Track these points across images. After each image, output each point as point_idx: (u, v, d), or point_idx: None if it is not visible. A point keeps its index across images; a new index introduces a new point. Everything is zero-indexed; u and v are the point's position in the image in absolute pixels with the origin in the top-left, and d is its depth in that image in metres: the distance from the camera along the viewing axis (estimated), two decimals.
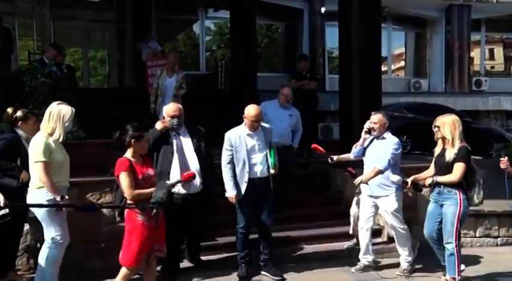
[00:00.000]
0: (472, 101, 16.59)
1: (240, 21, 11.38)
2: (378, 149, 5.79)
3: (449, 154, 5.22)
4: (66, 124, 4.78)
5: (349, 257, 6.31)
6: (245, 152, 5.58)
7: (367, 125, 5.92)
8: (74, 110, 4.85)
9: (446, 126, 5.24)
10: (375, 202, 5.97)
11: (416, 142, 11.11)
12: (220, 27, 16.17)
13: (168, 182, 4.77)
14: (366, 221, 6.03)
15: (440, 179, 5.24)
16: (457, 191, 5.21)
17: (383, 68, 15.27)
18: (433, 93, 16.62)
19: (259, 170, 5.64)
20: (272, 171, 5.65)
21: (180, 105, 5.70)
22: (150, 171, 4.62)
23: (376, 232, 6.64)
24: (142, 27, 12.83)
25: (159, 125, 5.60)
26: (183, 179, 4.86)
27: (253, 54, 11.61)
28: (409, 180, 5.50)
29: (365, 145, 5.97)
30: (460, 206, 5.21)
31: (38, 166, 4.62)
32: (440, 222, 5.34)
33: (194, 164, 5.51)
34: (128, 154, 4.54)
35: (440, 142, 5.38)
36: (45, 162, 4.62)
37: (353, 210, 6.59)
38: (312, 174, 8.44)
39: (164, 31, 14.51)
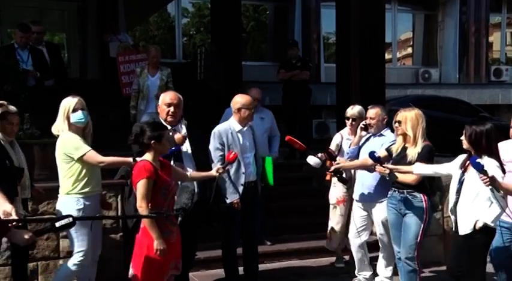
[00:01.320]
0: (491, 93, 16.71)
1: (223, 1, 11.43)
2: (375, 148, 5.85)
3: (411, 153, 5.33)
4: (73, 115, 5.01)
5: (347, 273, 6.47)
6: (239, 150, 5.65)
7: (363, 121, 6.08)
8: (79, 99, 5.07)
9: (408, 121, 5.35)
10: (367, 209, 6.04)
11: None
12: (199, 9, 16.19)
13: (189, 185, 4.79)
14: (356, 235, 6.10)
15: (400, 176, 5.26)
16: (423, 198, 5.30)
17: (387, 56, 15.36)
18: (445, 85, 16.75)
19: (251, 172, 5.78)
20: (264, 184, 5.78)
21: (179, 95, 5.57)
22: (172, 180, 4.64)
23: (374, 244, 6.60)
24: (107, 7, 12.75)
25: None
26: (229, 160, 5.13)
27: (237, 40, 11.66)
28: (333, 167, 5.63)
29: (360, 144, 6.10)
30: (426, 216, 5.30)
31: (88, 158, 4.90)
32: None
33: (191, 167, 5.42)
34: (148, 157, 4.53)
35: (400, 140, 5.51)
36: (90, 150, 4.94)
37: (335, 221, 6.52)
38: (305, 177, 8.57)
39: (133, 12, 14.41)
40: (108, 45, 11.29)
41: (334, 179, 6.36)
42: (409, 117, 5.36)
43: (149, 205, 4.35)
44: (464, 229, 4.76)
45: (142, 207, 4.35)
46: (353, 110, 6.45)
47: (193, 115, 8.96)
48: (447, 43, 17.58)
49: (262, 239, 7.01)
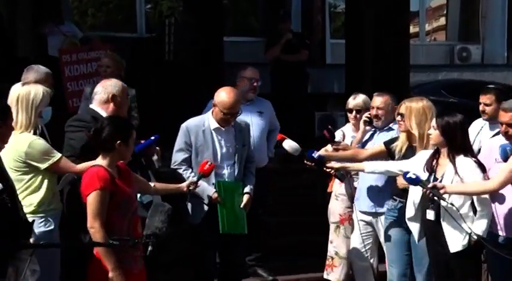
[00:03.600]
0: None
1: None
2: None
3: None
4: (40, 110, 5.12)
5: None
6: (211, 155, 5.80)
7: (366, 113, 6.28)
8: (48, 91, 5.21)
9: (413, 116, 5.54)
10: (371, 223, 6.19)
11: None
12: None
13: (165, 204, 4.92)
14: (363, 258, 6.24)
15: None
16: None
17: (412, 29, 15.17)
18: (489, 66, 16.79)
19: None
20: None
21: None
22: (134, 193, 4.72)
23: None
24: None
25: None
26: (203, 172, 5.35)
27: (217, 9, 11.61)
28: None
29: (364, 140, 6.30)
30: None
31: (62, 166, 5.02)
32: (410, 254, 5.68)
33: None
34: (104, 161, 4.56)
35: (403, 138, 5.68)
36: (62, 156, 5.06)
37: (338, 244, 6.60)
38: (306, 187, 8.68)
39: None
40: (46, 40, 11.00)
41: (339, 190, 6.52)
42: (414, 111, 5.55)
43: (103, 224, 4.37)
44: (454, 245, 5.09)
45: (94, 228, 4.36)
46: (356, 100, 6.56)
47: (158, 107, 9.10)
48: (492, 11, 17.53)
49: (256, 270, 7.18)
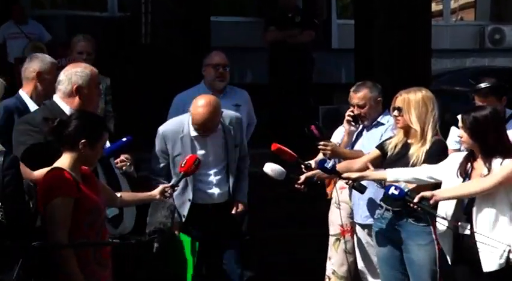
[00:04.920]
0: None
1: None
2: (373, 143, 6.08)
3: (416, 153, 5.57)
4: None
5: None
6: None
7: (348, 111, 6.34)
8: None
9: (413, 109, 5.56)
10: (370, 235, 6.19)
11: None
12: None
13: (166, 200, 5.13)
14: (363, 273, 6.40)
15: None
16: (430, 222, 5.50)
17: (434, 7, 15.47)
18: None
19: (215, 192, 6.16)
20: None
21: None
22: (101, 200, 4.68)
23: None
24: None
25: None
26: (186, 171, 5.44)
27: None
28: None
29: (352, 141, 6.39)
30: (438, 245, 5.48)
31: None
32: (406, 273, 5.66)
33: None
34: (65, 163, 4.52)
35: (400, 134, 5.73)
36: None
37: (338, 261, 6.62)
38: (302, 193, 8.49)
39: None
40: (5, 43, 11.13)
41: (340, 196, 6.50)
42: (413, 103, 5.56)
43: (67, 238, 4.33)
44: (489, 264, 4.99)
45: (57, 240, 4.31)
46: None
47: (133, 100, 9.03)
48: None
49: None
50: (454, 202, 5.17)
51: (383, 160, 5.81)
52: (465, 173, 5.16)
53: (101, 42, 8.68)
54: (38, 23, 11.99)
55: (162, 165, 6.00)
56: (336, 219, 6.62)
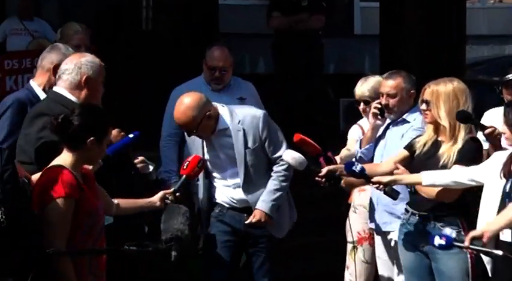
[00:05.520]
0: None
1: None
2: (394, 143, 6.11)
3: (447, 152, 5.54)
4: None
5: None
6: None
7: (374, 103, 6.27)
8: None
9: (442, 101, 5.49)
10: (388, 244, 6.30)
11: None
12: None
13: (181, 206, 5.28)
14: None
15: (425, 190, 5.49)
16: (461, 227, 5.50)
17: None
18: None
19: (233, 196, 6.29)
20: None
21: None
22: (100, 205, 4.70)
23: None
24: None
25: None
26: (189, 174, 5.47)
27: None
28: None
29: (377, 137, 6.32)
30: (471, 254, 5.42)
31: None
32: None
33: None
34: (68, 160, 4.50)
35: (430, 130, 5.69)
36: None
37: (356, 270, 6.61)
38: (327, 196, 8.34)
39: None
40: (5, 40, 11.47)
41: (357, 200, 6.62)
42: (442, 96, 5.50)
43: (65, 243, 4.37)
44: None
45: (55, 248, 4.31)
46: (362, 87, 6.57)
47: (133, 93, 8.69)
48: None
49: None
50: (498, 202, 5.11)
51: (410, 160, 5.79)
52: (509, 174, 5.09)
53: (96, 29, 8.62)
54: (44, 21, 12.28)
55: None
56: (353, 225, 6.66)
